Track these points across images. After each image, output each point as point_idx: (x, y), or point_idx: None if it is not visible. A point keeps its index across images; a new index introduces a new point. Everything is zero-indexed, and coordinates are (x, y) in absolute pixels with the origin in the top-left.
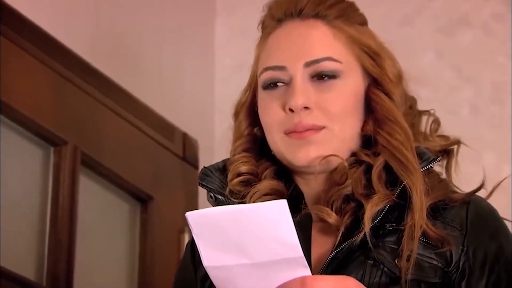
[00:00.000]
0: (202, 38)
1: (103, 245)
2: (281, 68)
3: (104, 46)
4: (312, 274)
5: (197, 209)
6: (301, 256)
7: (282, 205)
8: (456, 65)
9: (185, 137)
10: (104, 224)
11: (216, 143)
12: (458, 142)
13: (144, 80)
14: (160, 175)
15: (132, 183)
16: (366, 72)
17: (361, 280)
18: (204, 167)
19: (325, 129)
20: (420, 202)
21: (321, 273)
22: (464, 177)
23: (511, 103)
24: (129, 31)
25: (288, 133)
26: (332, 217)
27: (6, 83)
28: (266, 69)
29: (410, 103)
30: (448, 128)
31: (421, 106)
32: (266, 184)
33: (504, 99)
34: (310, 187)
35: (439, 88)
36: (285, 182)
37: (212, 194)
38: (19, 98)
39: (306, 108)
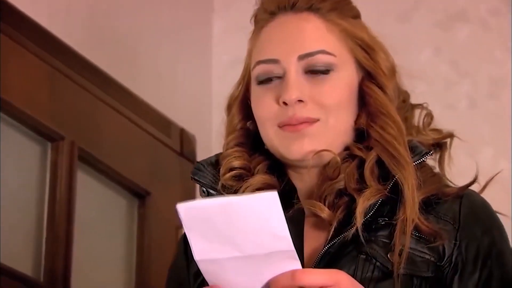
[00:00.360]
0: (199, 34)
1: (101, 240)
2: (275, 61)
3: (102, 43)
4: (304, 268)
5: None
6: (292, 250)
7: (272, 196)
8: (454, 60)
9: (182, 132)
10: (101, 220)
11: (214, 138)
12: (451, 136)
13: (142, 76)
14: (157, 171)
15: (130, 179)
16: (360, 65)
17: (353, 275)
18: (197, 161)
19: (319, 122)
20: (412, 196)
21: (313, 268)
22: (461, 172)
23: (509, 97)
24: (126, 27)
25: (282, 126)
26: (324, 212)
27: (4, 79)
28: (259, 62)
29: (404, 97)
30: (446, 123)
31: (418, 101)
32: (259, 178)
33: (501, 94)
34: (303, 181)
35: (437, 83)
36: (278, 176)
37: (204, 189)
38: (17, 94)
39: (300, 101)
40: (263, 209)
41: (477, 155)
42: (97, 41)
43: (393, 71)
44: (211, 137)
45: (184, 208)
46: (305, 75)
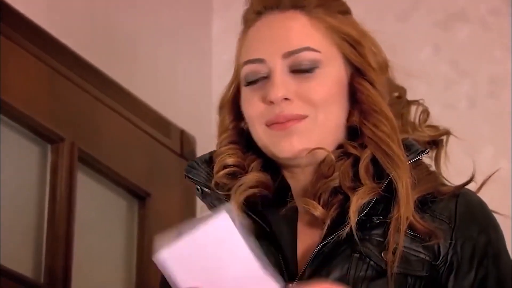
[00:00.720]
0: (199, 34)
1: (101, 242)
2: (260, 60)
3: (101, 43)
4: (298, 268)
5: (194, 209)
6: (262, 271)
7: (224, 219)
8: (454, 60)
9: (182, 133)
10: (102, 221)
11: (214, 139)
12: (447, 133)
13: (141, 77)
14: (157, 172)
15: (130, 180)
16: (348, 61)
17: (346, 274)
18: (191, 160)
19: (308, 118)
20: (406, 194)
21: (306, 268)
22: (460, 172)
23: (509, 97)
24: (125, 27)
25: (270, 124)
26: (318, 210)
27: (3, 81)
28: (246, 62)
29: (400, 93)
30: (446, 123)
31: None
32: (252, 176)
33: (501, 93)
34: (297, 179)
35: (437, 83)
36: (272, 175)
37: (198, 187)
38: (17, 95)
39: (287, 99)
40: (221, 233)
41: (477, 155)
42: (96, 42)
43: (384, 66)
44: (211, 138)
45: (163, 255)
46: (291, 74)
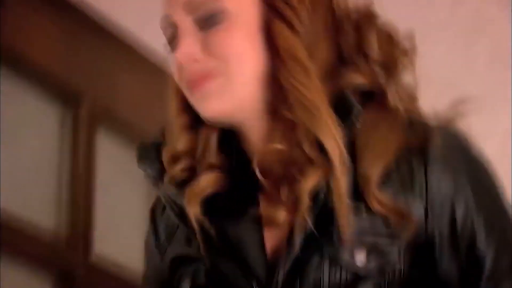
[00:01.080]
0: None
1: (122, 197)
2: (168, 20)
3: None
4: (267, 274)
5: None
6: None
7: None
8: (472, 17)
9: None
10: (122, 178)
11: None
12: (406, 53)
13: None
14: None
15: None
16: (266, 3)
17: (320, 282)
18: (141, 143)
19: (221, 76)
20: (339, 151)
21: (278, 276)
22: (479, 133)
23: None
24: None
25: (188, 88)
26: (280, 217)
27: (23, 45)
28: (160, 25)
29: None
30: (464, 82)
31: (436, 64)
32: (203, 184)
33: None
34: (252, 146)
35: (455, 41)
36: (232, 148)
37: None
38: (36, 57)
39: (194, 57)
40: None
41: (493, 115)
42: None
43: (319, 3)
44: None
45: None
46: (200, 30)
